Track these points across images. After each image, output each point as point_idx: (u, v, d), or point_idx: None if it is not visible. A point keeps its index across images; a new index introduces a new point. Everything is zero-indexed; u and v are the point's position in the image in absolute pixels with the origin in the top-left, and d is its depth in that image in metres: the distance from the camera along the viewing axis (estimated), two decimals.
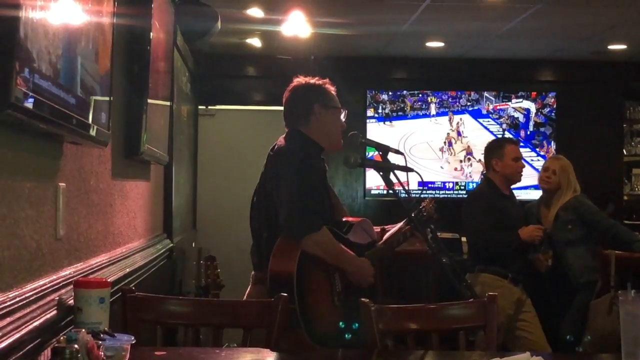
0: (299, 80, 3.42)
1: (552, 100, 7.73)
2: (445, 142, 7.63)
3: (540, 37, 6.68)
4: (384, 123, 7.60)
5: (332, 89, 3.41)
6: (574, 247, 5.06)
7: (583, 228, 5.08)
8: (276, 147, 3.34)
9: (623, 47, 6.96)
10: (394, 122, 7.61)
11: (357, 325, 3.05)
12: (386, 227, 3.65)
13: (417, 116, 7.64)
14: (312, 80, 3.41)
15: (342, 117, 3.41)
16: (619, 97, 7.81)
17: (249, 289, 3.40)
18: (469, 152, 7.63)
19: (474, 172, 7.58)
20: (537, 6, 5.46)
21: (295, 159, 3.22)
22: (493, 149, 4.81)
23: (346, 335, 3.00)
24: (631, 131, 7.99)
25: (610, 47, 6.98)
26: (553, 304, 5.20)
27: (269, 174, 3.30)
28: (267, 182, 3.29)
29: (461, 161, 7.63)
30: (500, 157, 4.73)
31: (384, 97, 7.61)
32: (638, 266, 4.72)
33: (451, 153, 7.63)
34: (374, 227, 3.55)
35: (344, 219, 3.41)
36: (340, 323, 3.12)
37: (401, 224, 3.61)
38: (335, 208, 3.41)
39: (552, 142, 7.69)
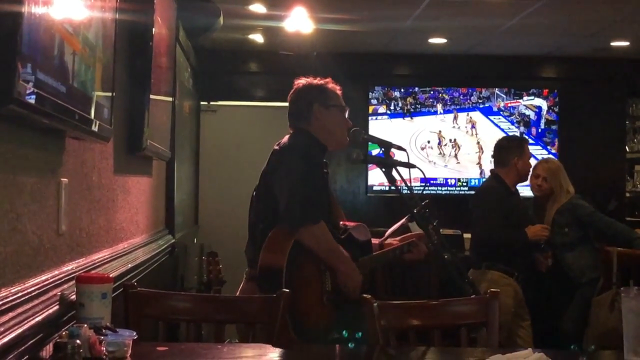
0: (300, 81, 3.43)
1: None
2: (440, 140, 7.62)
3: (543, 34, 6.67)
4: (403, 119, 7.59)
5: (334, 88, 3.41)
6: (572, 249, 5.07)
7: (579, 229, 5.08)
8: (282, 142, 3.35)
9: (626, 44, 6.95)
10: (407, 119, 7.60)
11: (346, 334, 3.06)
12: (385, 242, 3.61)
13: (428, 113, 7.62)
14: (314, 81, 3.41)
15: (345, 114, 3.41)
16: (621, 94, 7.79)
17: (242, 285, 3.40)
18: (455, 149, 7.62)
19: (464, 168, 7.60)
20: (540, 3, 5.45)
21: (300, 153, 3.23)
22: (513, 147, 4.79)
23: (344, 334, 2.99)
24: (634, 128, 7.99)
25: (613, 43, 6.96)
26: (553, 301, 5.21)
27: (271, 167, 3.30)
28: (269, 176, 3.29)
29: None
30: (521, 155, 4.74)
31: (396, 94, 7.60)
32: None
33: (440, 152, 7.60)
34: (374, 240, 3.54)
35: (340, 223, 3.42)
36: (338, 333, 3.11)
37: (403, 220, 3.61)
38: (333, 211, 3.41)
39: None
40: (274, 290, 2.63)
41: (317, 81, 3.42)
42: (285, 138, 3.37)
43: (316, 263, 3.18)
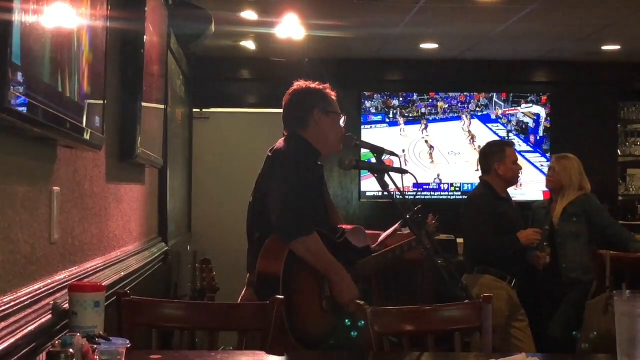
0: (300, 84, 3.43)
1: None
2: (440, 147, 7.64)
3: (534, 39, 6.69)
4: (400, 127, 7.62)
5: (332, 94, 3.42)
6: (575, 241, 5.08)
7: (587, 224, 5.10)
8: (274, 148, 3.34)
9: (617, 47, 6.98)
10: (405, 127, 7.62)
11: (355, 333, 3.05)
12: (382, 234, 3.64)
13: (429, 121, 7.65)
14: (313, 85, 3.41)
15: (342, 122, 3.42)
16: (613, 97, 7.82)
17: (244, 291, 3.40)
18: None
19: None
20: (531, 7, 5.47)
21: (292, 161, 3.22)
22: (494, 153, 4.78)
23: (352, 333, 2.98)
24: (626, 132, 8.01)
25: (604, 47, 6.99)
26: (544, 303, 5.23)
27: (265, 174, 3.30)
28: (262, 183, 3.29)
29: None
30: (502, 161, 4.72)
31: (395, 102, 7.60)
32: (633, 266, 4.74)
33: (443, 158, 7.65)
34: (372, 232, 3.55)
35: (338, 226, 3.41)
36: (347, 321, 3.11)
37: (396, 225, 3.62)
38: (330, 214, 3.41)
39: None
40: (271, 296, 2.63)
41: (317, 86, 3.42)
42: (279, 143, 3.36)
43: (314, 269, 3.18)
